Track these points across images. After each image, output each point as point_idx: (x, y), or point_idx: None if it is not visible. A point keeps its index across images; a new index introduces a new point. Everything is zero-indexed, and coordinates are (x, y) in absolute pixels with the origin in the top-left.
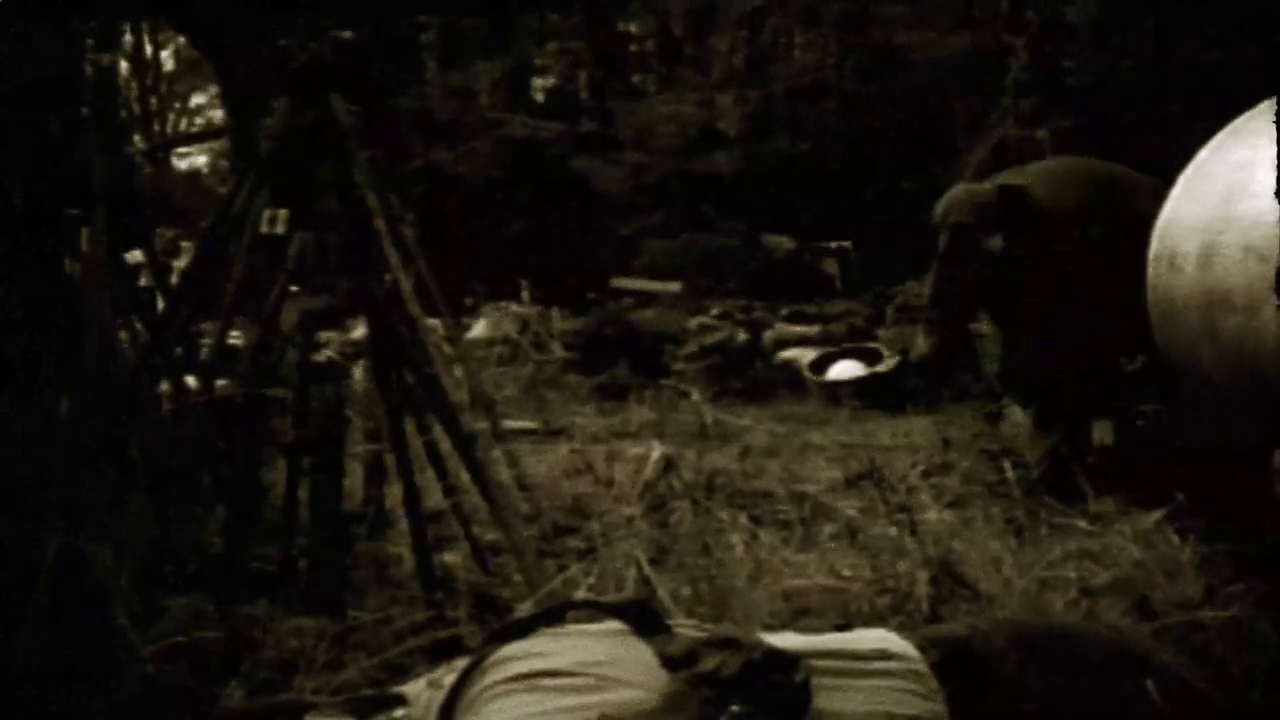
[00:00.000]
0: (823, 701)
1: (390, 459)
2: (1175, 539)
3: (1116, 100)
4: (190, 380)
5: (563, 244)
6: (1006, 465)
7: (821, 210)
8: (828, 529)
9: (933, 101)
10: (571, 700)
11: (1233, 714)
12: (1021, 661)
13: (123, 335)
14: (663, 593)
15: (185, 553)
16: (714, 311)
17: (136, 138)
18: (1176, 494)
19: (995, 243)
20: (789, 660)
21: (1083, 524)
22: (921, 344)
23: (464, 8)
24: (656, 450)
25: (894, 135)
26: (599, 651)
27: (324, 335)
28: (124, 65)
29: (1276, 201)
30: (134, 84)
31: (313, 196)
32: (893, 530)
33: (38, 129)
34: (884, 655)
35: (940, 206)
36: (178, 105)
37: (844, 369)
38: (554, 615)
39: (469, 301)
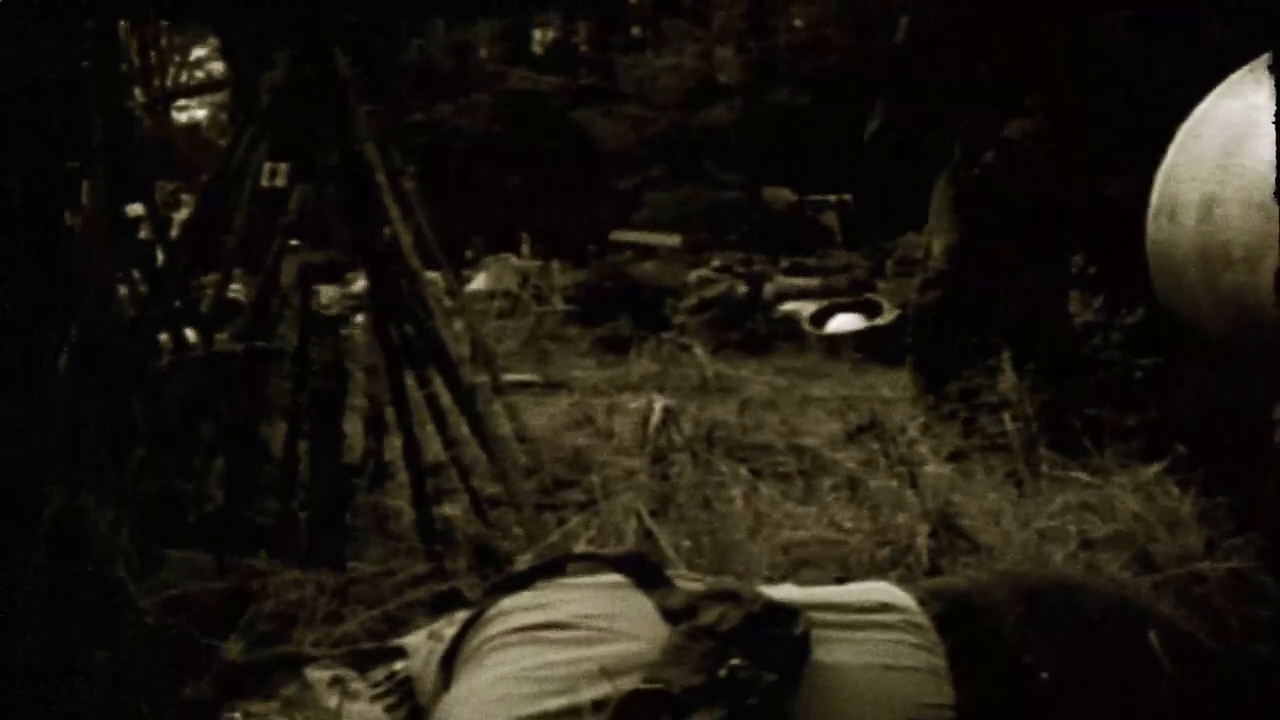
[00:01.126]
0: (822, 654)
1: (390, 412)
2: (1175, 491)
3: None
4: (190, 333)
5: (563, 197)
6: (1006, 418)
7: (822, 163)
8: (828, 482)
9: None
10: (571, 652)
11: (1233, 666)
12: (1021, 614)
13: (122, 288)
14: (663, 545)
15: (185, 506)
16: (714, 264)
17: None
18: (1177, 446)
19: None
20: (789, 613)
21: (1083, 477)
22: None
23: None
24: (657, 403)
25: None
26: (599, 604)
27: (324, 288)
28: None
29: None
30: (134, 37)
31: (313, 150)
32: (893, 483)
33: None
34: (884, 608)
35: None
36: (177, 58)
37: (844, 322)
38: (554, 568)
39: (469, 254)
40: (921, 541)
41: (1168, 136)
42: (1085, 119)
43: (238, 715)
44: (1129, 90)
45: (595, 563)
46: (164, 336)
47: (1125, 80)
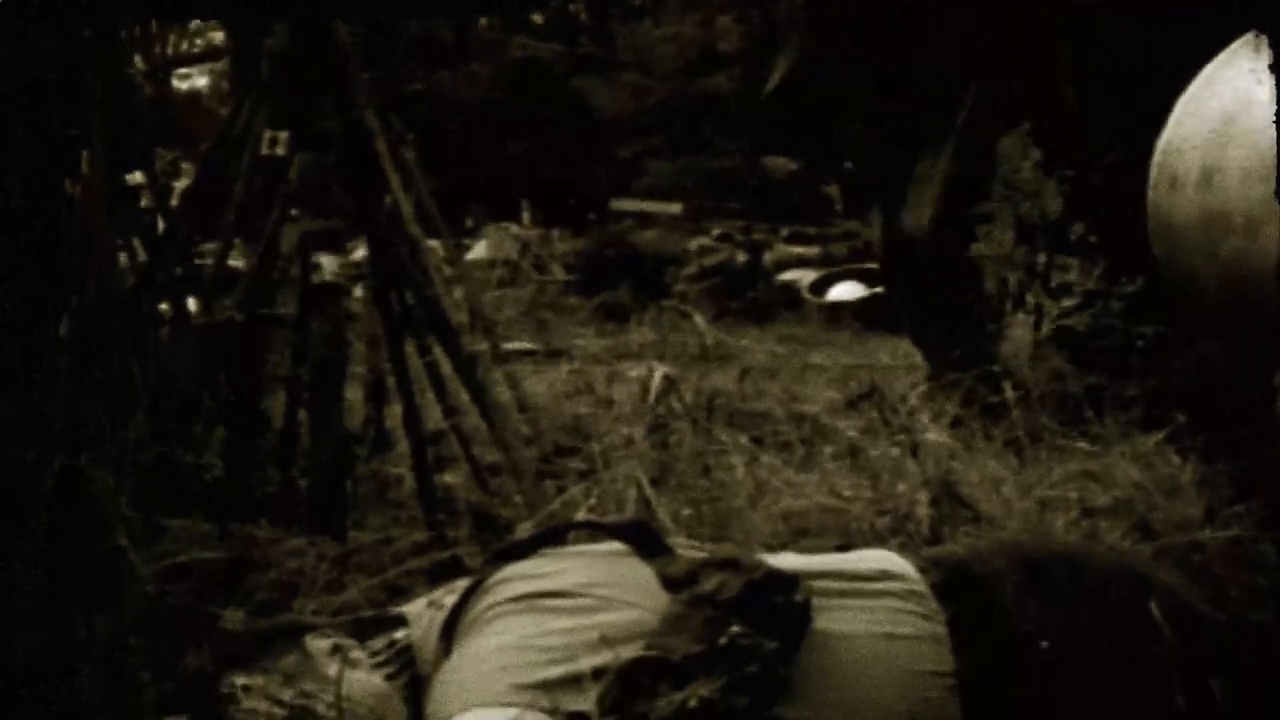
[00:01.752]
0: (823, 622)
1: (391, 380)
2: (1176, 460)
3: None
4: (190, 302)
5: (563, 166)
6: (1007, 386)
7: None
8: (828, 450)
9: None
10: (572, 621)
11: (1233, 634)
12: (1021, 582)
13: (123, 257)
14: (663, 514)
15: (185, 474)
16: (714, 233)
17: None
18: (1177, 415)
19: None
20: (789, 581)
21: (1083, 445)
22: None
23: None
24: (657, 371)
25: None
26: (599, 572)
27: (324, 257)
28: None
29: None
30: None
31: (313, 118)
32: (893, 451)
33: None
34: (884, 576)
35: None
36: (178, 26)
37: (844, 290)
38: (554, 536)
39: (469, 223)
40: (922, 509)
41: (1168, 104)
42: (1084, 91)
43: (238, 683)
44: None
45: (596, 531)
46: (164, 305)
47: (1122, 58)
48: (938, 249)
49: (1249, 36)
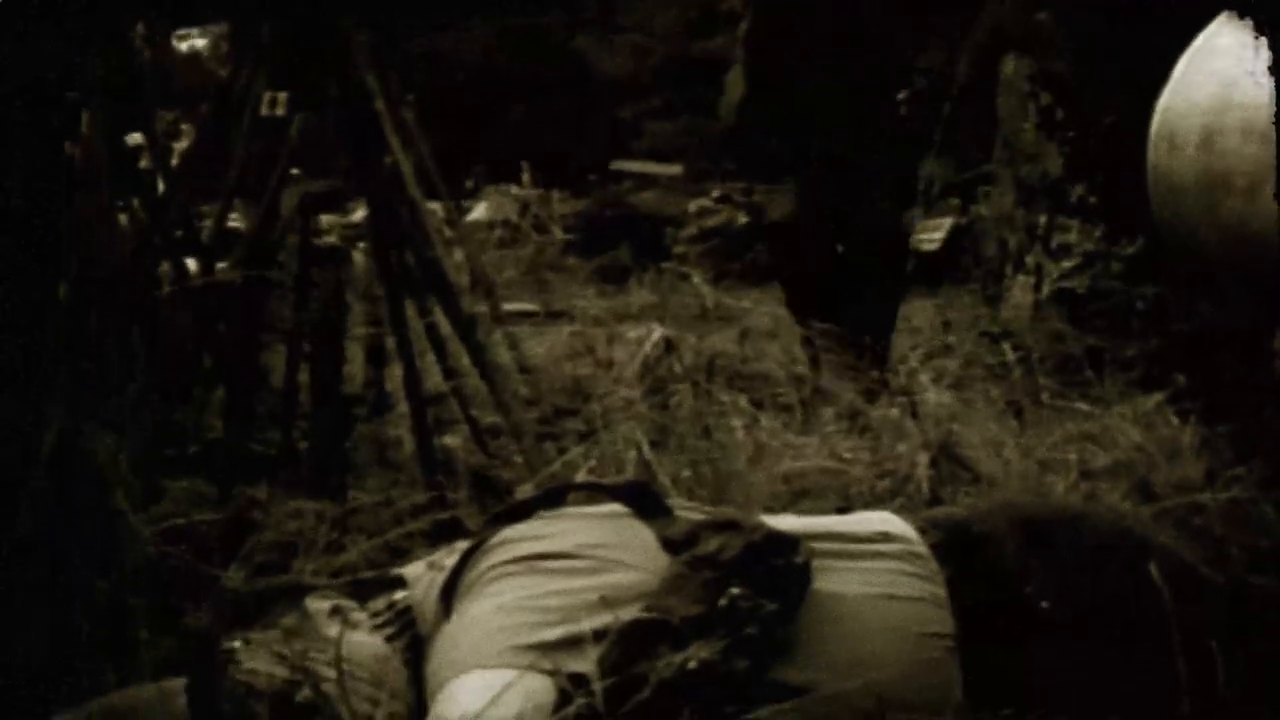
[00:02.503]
0: (823, 584)
1: (390, 342)
2: (1176, 421)
3: None
4: (190, 263)
5: (563, 127)
6: (1007, 348)
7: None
8: (828, 411)
9: None
10: (571, 582)
11: (1233, 596)
12: (1022, 544)
13: (122, 218)
14: (663, 475)
15: (185, 436)
16: (715, 194)
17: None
18: (1177, 376)
19: None
20: (790, 542)
21: (1083, 407)
22: None
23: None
24: (656, 333)
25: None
26: (599, 534)
27: (324, 218)
28: None
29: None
30: None
31: (313, 79)
32: (893, 412)
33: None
34: (884, 537)
35: None
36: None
37: None
38: (554, 497)
39: (469, 184)
40: (922, 471)
41: (1168, 66)
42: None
43: (237, 644)
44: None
45: (596, 492)
46: (164, 266)
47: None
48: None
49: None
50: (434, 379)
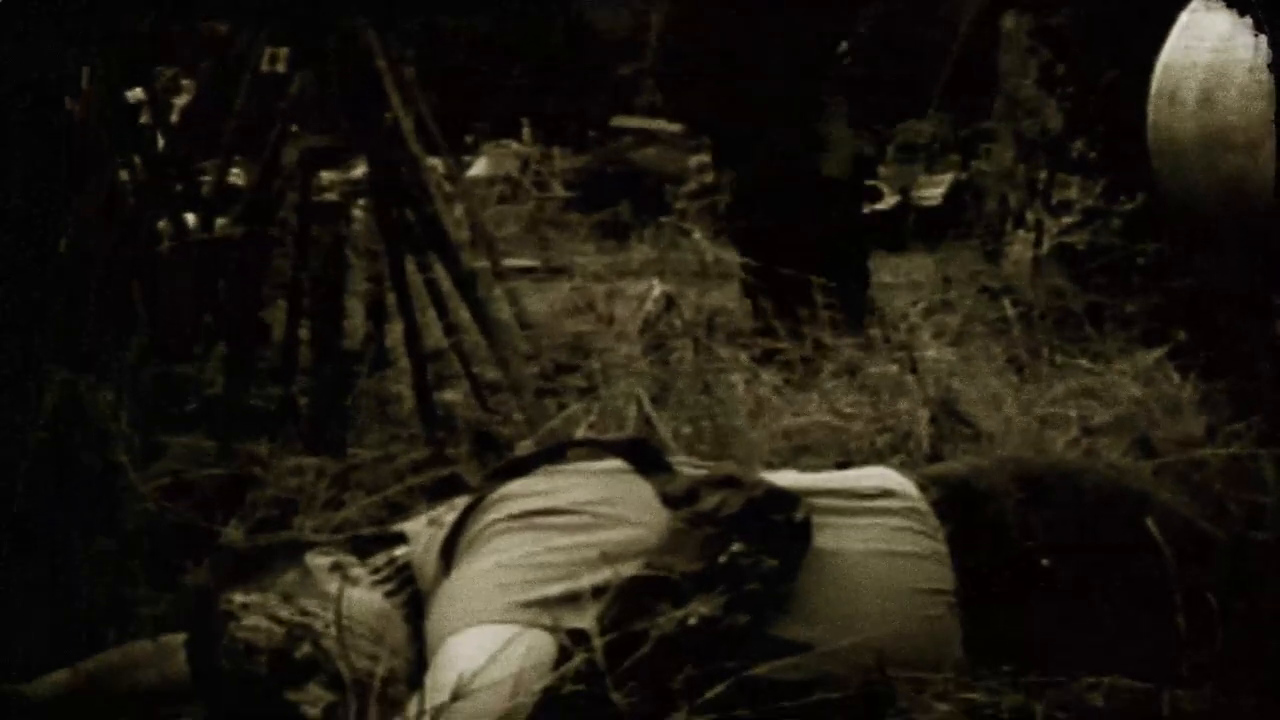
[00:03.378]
0: (823, 540)
1: (391, 298)
2: (1176, 377)
3: None
4: (190, 219)
5: (563, 83)
6: (1007, 304)
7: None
8: (828, 368)
9: None
10: (572, 538)
11: (1233, 552)
12: (1022, 500)
13: (123, 174)
14: (663, 431)
15: (185, 392)
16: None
17: None
18: (1177, 332)
19: None
20: (790, 499)
21: (1083, 363)
22: None
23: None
24: (657, 288)
25: None
26: (599, 490)
27: (324, 174)
28: None
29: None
30: None
31: (313, 35)
32: (893, 368)
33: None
34: (885, 494)
35: None
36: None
37: None
38: (554, 453)
39: (469, 140)
40: (922, 427)
41: (1168, 20)
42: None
43: (237, 600)
44: None
45: (596, 448)
46: (164, 222)
47: None
48: None
49: None
50: (434, 335)
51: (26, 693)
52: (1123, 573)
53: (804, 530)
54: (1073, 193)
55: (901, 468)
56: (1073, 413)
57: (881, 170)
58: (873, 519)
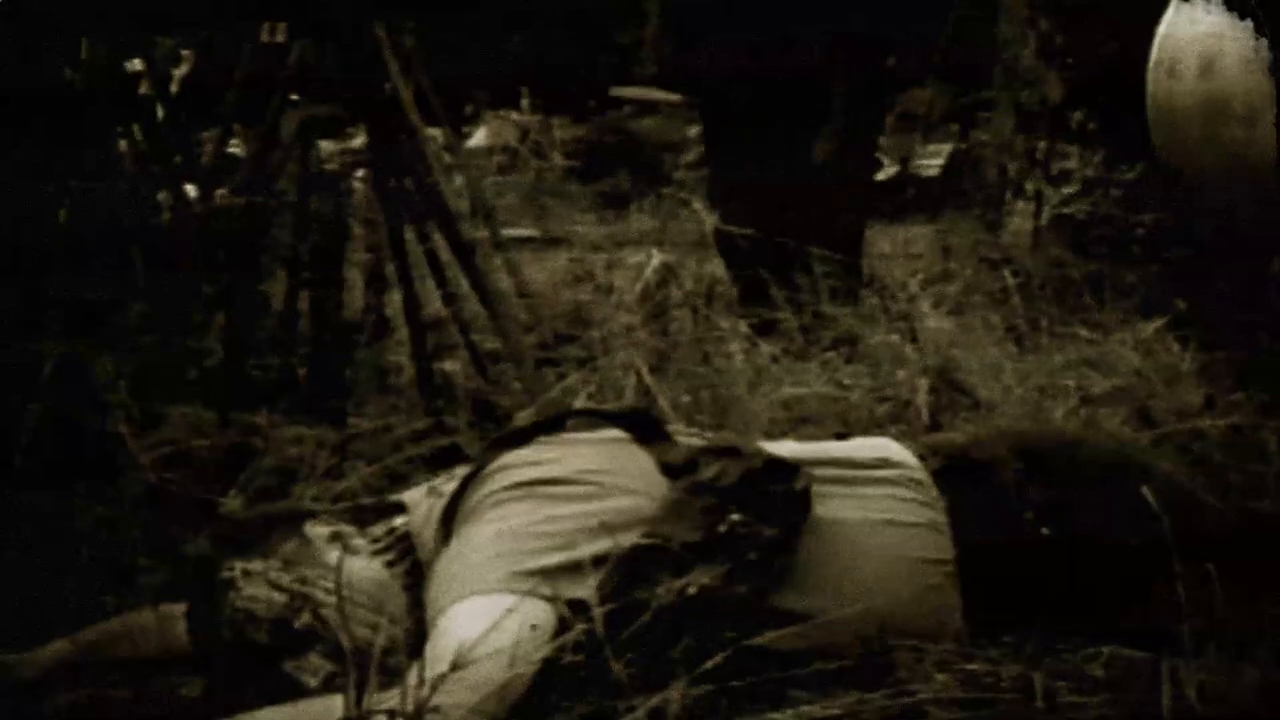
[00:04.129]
0: (822, 510)
1: (390, 267)
2: (1176, 347)
3: None
4: (190, 188)
5: (562, 53)
6: (1007, 274)
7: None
8: (827, 337)
9: None
10: (571, 508)
11: (1233, 523)
12: (1021, 470)
13: (122, 144)
14: (662, 401)
15: (184, 361)
16: None
17: None
18: (1177, 302)
19: None
20: (789, 468)
21: (1083, 332)
22: None
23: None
24: (656, 258)
25: None
26: (599, 459)
27: (323, 144)
28: None
29: None
30: None
31: (312, 4)
32: (893, 338)
33: None
34: (884, 463)
35: None
36: None
37: None
38: (554, 423)
39: (469, 110)
40: (921, 397)
41: None
42: None
43: (237, 570)
44: None
45: (595, 418)
46: (163, 192)
47: None
48: None
49: None
50: (433, 305)
51: (26, 662)
52: (1122, 543)
53: (803, 500)
54: (1072, 163)
55: (901, 437)
56: (1072, 383)
57: (881, 140)
58: (872, 489)
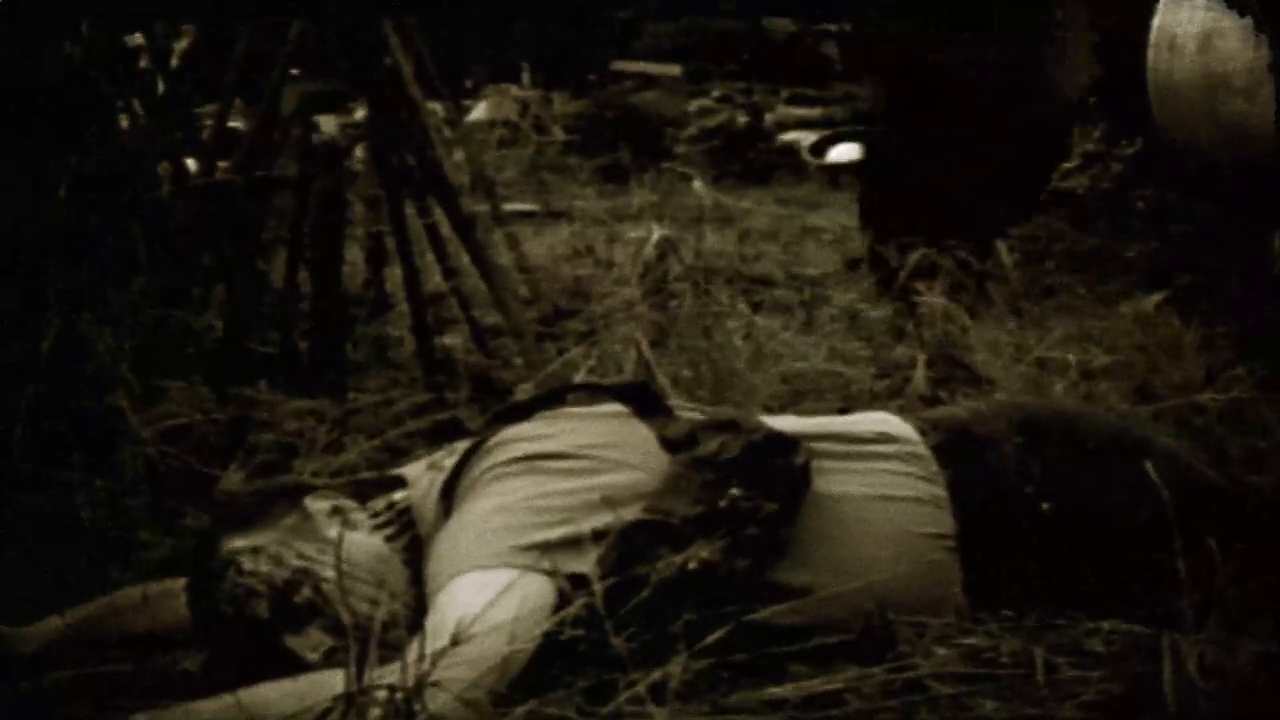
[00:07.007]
0: (823, 484)
1: (390, 242)
2: (1176, 322)
3: None
4: (190, 163)
5: (563, 26)
6: (1003, 249)
7: None
8: (828, 312)
9: None
10: (572, 482)
11: (1233, 497)
12: (1021, 444)
13: (123, 118)
14: (662, 375)
15: (185, 336)
16: (715, 94)
17: None
18: (1177, 276)
19: None
20: (789, 443)
21: (1083, 307)
22: None
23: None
24: (656, 233)
25: None
26: (599, 434)
27: (324, 118)
28: None
29: None
30: None
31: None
32: (892, 313)
33: None
34: (884, 438)
35: None
36: None
37: (844, 151)
38: (554, 398)
39: (469, 84)
40: (921, 372)
41: None
42: None
43: (237, 544)
44: None
45: (595, 392)
46: (164, 166)
47: None
48: None
49: None
50: (434, 279)
51: (22, 636)
52: (1122, 517)
53: (804, 475)
54: (1072, 138)
55: (901, 412)
56: (1072, 357)
57: None
58: (873, 463)
